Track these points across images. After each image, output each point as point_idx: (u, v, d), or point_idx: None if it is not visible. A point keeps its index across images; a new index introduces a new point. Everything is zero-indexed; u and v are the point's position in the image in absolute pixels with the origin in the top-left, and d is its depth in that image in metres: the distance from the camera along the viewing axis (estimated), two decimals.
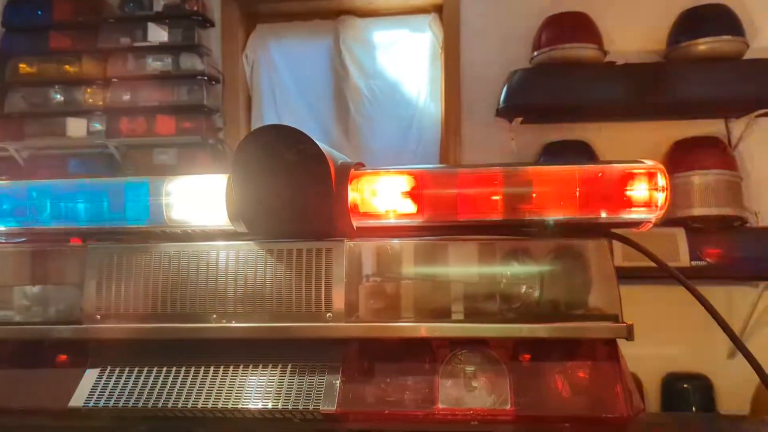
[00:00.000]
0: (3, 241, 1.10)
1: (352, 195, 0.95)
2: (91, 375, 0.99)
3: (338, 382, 0.93)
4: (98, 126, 3.32)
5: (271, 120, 3.42)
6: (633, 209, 0.91)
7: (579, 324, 0.93)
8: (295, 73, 3.50)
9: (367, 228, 0.97)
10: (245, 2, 3.49)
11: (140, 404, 0.95)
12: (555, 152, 2.90)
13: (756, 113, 2.86)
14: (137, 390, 0.96)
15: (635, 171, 0.91)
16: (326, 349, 0.96)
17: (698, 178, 2.70)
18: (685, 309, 2.52)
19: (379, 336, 0.96)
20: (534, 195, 0.93)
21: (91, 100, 3.34)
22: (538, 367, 0.94)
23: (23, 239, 1.09)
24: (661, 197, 0.90)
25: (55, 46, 3.38)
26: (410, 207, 0.95)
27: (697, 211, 2.68)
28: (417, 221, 0.95)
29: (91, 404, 0.96)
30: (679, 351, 2.93)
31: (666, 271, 0.99)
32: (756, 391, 2.54)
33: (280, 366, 0.96)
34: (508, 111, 2.94)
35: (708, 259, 2.63)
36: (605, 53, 2.89)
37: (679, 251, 2.61)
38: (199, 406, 0.93)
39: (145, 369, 0.98)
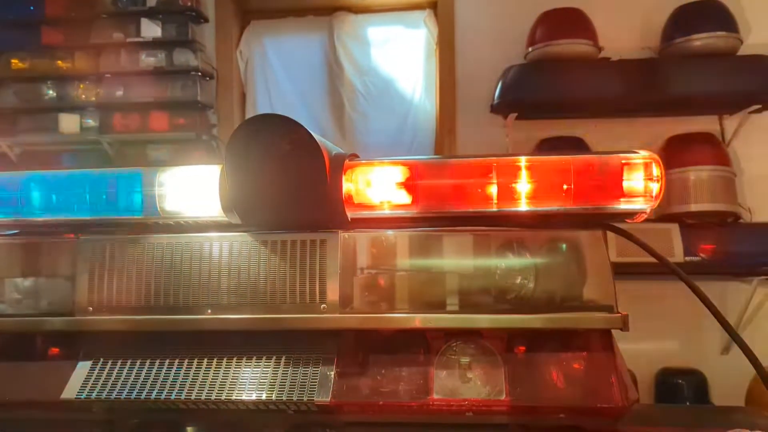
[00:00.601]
0: None
1: (347, 186, 0.95)
2: (83, 367, 0.99)
3: (333, 373, 0.93)
4: (91, 122, 3.31)
5: None
6: (628, 199, 0.91)
7: (573, 314, 0.93)
8: (290, 69, 3.49)
9: (361, 219, 0.97)
10: None
11: (133, 396, 0.94)
12: (550, 148, 2.89)
13: (749, 109, 2.87)
14: (130, 382, 0.96)
15: (631, 161, 0.91)
16: (321, 340, 0.96)
17: (692, 174, 2.71)
18: (678, 305, 2.57)
19: (373, 327, 0.95)
20: (529, 185, 0.92)
21: (83, 96, 3.31)
22: (533, 358, 0.94)
23: (15, 231, 1.08)
24: (655, 187, 0.90)
25: (47, 42, 3.36)
26: (405, 198, 0.94)
27: (691, 207, 2.69)
28: (412, 212, 0.95)
29: (83, 396, 0.95)
30: (672, 346, 2.94)
31: (663, 263, 0.99)
32: (750, 385, 2.55)
33: (274, 357, 0.96)
34: (502, 107, 2.94)
35: (702, 255, 2.64)
36: (600, 49, 2.89)
37: (674, 247, 2.62)
38: (193, 397, 0.93)
39: (138, 361, 0.98)
